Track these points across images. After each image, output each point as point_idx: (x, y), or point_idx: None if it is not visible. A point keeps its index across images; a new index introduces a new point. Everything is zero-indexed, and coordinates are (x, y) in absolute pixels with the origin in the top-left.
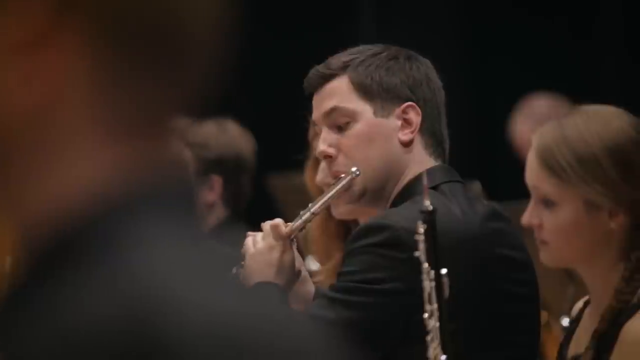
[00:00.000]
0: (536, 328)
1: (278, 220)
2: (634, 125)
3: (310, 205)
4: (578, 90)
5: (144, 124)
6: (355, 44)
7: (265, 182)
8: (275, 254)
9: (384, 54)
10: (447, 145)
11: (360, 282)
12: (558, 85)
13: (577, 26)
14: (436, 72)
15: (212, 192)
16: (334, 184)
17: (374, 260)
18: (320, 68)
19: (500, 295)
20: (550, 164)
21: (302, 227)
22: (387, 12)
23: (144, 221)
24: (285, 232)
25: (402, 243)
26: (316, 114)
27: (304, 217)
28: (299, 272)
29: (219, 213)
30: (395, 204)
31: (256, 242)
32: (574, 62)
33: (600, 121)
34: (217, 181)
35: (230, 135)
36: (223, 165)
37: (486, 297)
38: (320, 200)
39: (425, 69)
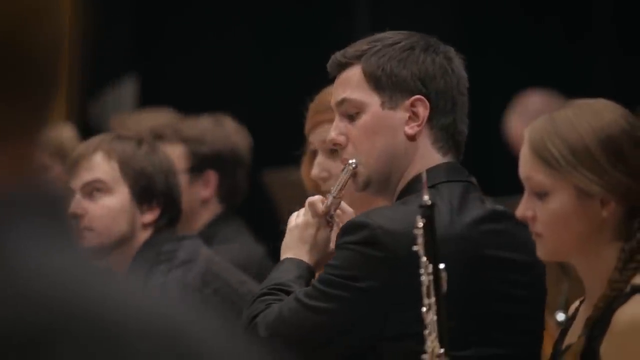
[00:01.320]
0: (537, 329)
1: (316, 198)
2: (625, 117)
3: (332, 189)
4: (571, 88)
5: (8, 137)
6: (350, 41)
7: (262, 177)
8: (311, 231)
9: (401, 44)
10: (461, 138)
11: (339, 276)
12: (552, 83)
13: (570, 24)
14: (460, 62)
15: (207, 188)
16: (341, 173)
17: (352, 257)
18: (338, 56)
19: (492, 296)
20: (542, 155)
21: (335, 208)
22: (382, 10)
23: (19, 227)
24: (322, 210)
25: (378, 242)
26: (332, 100)
27: (329, 201)
28: (333, 251)
29: (215, 209)
30: (400, 197)
31: (298, 216)
32: (568, 59)
33: (591, 113)
34: (212, 176)
35: (226, 131)
36: (219, 161)
37: (473, 297)
38: (335, 185)
39: (441, 60)
